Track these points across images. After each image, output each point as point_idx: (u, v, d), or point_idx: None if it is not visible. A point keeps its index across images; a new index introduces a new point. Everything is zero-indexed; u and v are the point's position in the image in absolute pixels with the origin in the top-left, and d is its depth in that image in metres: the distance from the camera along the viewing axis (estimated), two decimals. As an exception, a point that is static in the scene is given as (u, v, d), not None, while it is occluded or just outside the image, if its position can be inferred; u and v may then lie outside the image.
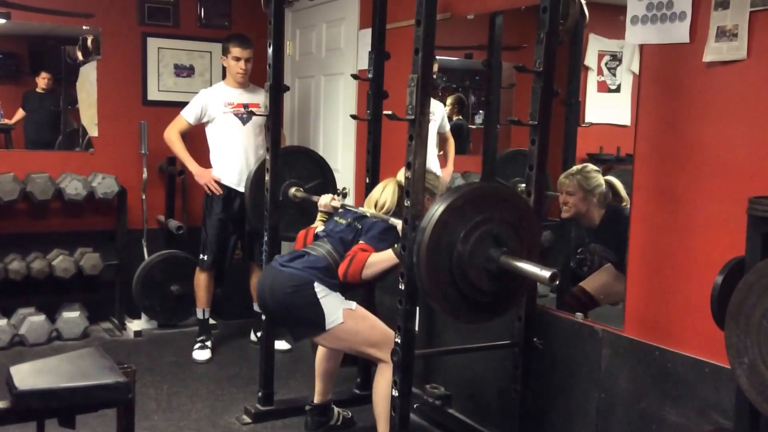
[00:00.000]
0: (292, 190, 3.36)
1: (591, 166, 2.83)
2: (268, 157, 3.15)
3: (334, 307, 2.62)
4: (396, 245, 2.51)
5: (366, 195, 3.38)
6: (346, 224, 2.77)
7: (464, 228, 2.08)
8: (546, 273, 2.00)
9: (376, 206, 2.77)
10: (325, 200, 2.98)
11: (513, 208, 2.20)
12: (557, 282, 2.02)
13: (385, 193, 2.77)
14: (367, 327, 2.65)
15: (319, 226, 2.92)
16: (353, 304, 2.67)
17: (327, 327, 2.61)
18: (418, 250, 2.07)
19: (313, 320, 2.61)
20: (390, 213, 2.72)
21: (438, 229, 2.06)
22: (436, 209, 2.07)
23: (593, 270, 2.96)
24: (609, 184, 2.79)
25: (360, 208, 2.81)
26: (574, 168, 2.86)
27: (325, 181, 3.52)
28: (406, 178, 2.21)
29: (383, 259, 2.57)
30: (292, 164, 3.40)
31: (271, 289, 2.69)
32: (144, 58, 4.44)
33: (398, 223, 2.48)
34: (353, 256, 2.60)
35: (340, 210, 2.91)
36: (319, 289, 2.62)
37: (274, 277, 2.70)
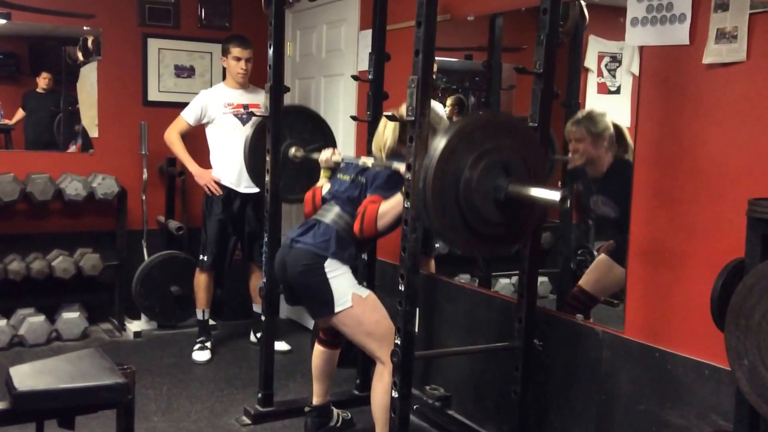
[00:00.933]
0: (292, 150, 3.28)
1: (596, 110, 2.78)
2: (268, 158, 3.15)
3: (344, 290, 2.58)
4: (404, 188, 2.38)
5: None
6: (350, 180, 2.71)
7: (473, 155, 2.03)
8: (556, 194, 1.96)
9: (382, 150, 2.69)
10: (326, 155, 2.94)
11: (522, 139, 2.15)
12: (568, 203, 1.95)
13: (386, 132, 2.69)
14: (373, 320, 2.61)
15: (324, 185, 2.87)
16: (366, 292, 2.63)
17: (335, 310, 2.58)
18: (425, 176, 2.01)
19: (323, 300, 2.59)
20: (392, 151, 2.65)
21: (446, 154, 1.99)
22: (445, 135, 2.01)
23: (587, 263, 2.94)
24: (616, 128, 2.73)
25: (362, 158, 2.75)
26: (580, 114, 2.82)
27: (326, 141, 3.43)
28: (406, 180, 2.20)
29: (393, 205, 2.50)
30: (290, 125, 3.31)
31: (284, 266, 2.68)
32: (144, 58, 4.44)
33: (401, 166, 2.40)
34: (364, 211, 2.55)
35: (342, 164, 2.85)
36: (330, 268, 2.57)
37: (288, 254, 2.67)
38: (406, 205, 2.20)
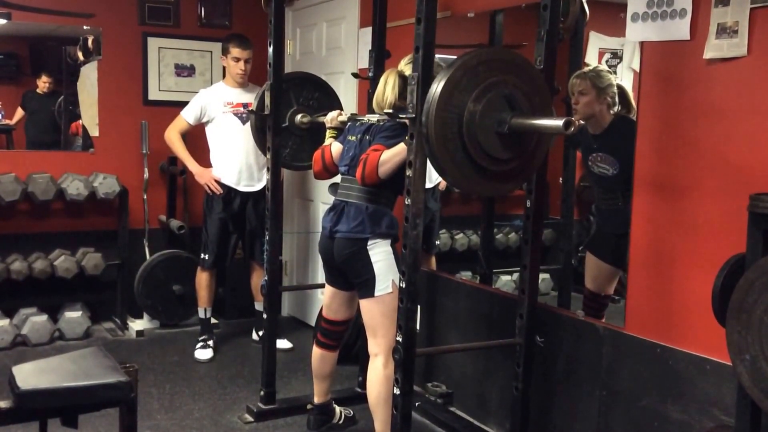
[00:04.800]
0: (299, 117, 3.28)
1: (603, 66, 2.77)
2: (268, 156, 3.15)
3: (385, 274, 2.58)
4: (407, 137, 2.35)
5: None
6: (358, 141, 2.69)
7: (477, 87, 2.02)
8: (559, 121, 1.94)
9: (382, 105, 2.66)
10: (331, 115, 2.96)
11: (526, 75, 2.14)
12: (573, 128, 1.93)
13: (387, 88, 2.66)
14: (392, 310, 2.50)
15: (333, 144, 2.85)
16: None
17: (375, 294, 2.59)
18: (428, 109, 1.99)
19: (367, 282, 2.60)
20: (393, 106, 2.60)
21: (449, 87, 1.97)
22: (449, 68, 1.99)
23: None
24: (620, 88, 2.72)
25: (367, 116, 2.74)
26: (586, 68, 2.81)
27: (333, 107, 3.37)
28: (407, 177, 2.20)
29: (396, 152, 2.49)
30: (297, 92, 3.30)
31: (331, 254, 2.68)
32: (144, 57, 4.44)
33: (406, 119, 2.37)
34: (366, 158, 2.54)
35: (349, 124, 2.83)
36: (372, 248, 2.58)
37: (330, 247, 2.68)
38: (407, 202, 2.21)
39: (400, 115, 2.35)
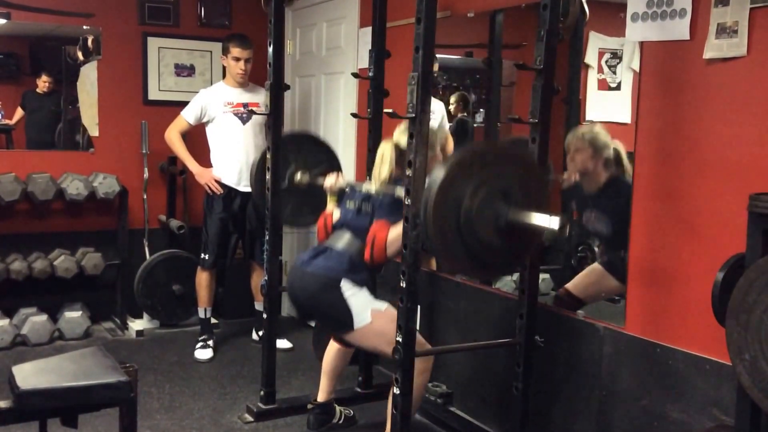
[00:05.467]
0: (298, 175, 3.31)
1: (599, 126, 2.79)
2: (268, 156, 3.15)
3: (362, 307, 2.62)
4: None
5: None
6: (357, 209, 2.74)
7: (472, 184, 2.07)
8: (555, 220, 2.02)
9: (379, 178, 2.71)
10: (330, 181, 2.98)
11: (520, 166, 2.19)
12: (567, 229, 2.02)
13: (383, 162, 2.71)
14: (394, 330, 2.64)
15: (334, 212, 2.90)
16: (384, 305, 2.67)
17: (355, 327, 2.62)
18: (426, 207, 2.05)
19: (341, 320, 2.63)
20: (392, 178, 2.66)
21: (445, 186, 2.03)
22: (444, 166, 2.05)
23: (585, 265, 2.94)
24: (615, 150, 2.73)
25: (365, 185, 2.78)
26: (584, 127, 2.83)
27: (330, 163, 3.45)
28: (407, 176, 2.20)
29: (402, 231, 2.50)
30: (295, 150, 3.35)
31: (300, 289, 2.72)
32: (144, 57, 4.44)
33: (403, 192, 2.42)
34: (373, 239, 2.58)
35: (347, 190, 2.89)
36: (346, 287, 2.62)
37: (301, 277, 2.72)
38: (406, 202, 2.21)
39: (398, 187, 2.49)
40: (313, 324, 2.95)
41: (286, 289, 2.85)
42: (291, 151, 3.30)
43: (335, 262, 2.66)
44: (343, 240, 2.71)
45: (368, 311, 2.61)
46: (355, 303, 2.61)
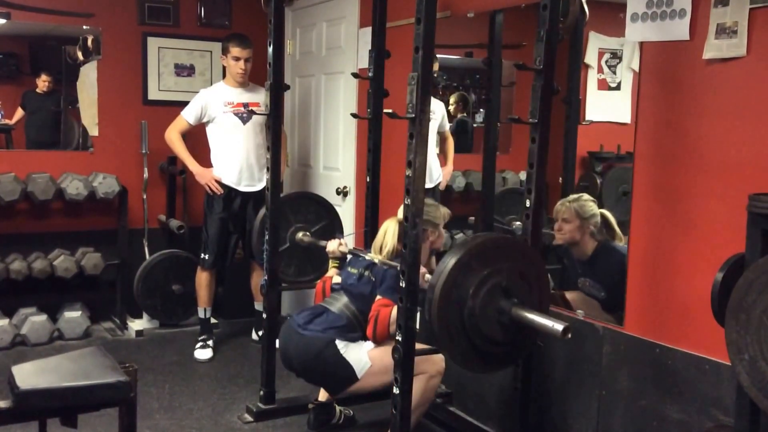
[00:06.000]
0: (299, 234, 3.37)
1: (587, 196, 2.83)
2: (268, 156, 3.16)
3: (359, 354, 2.69)
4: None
5: (366, 197, 3.40)
6: (359, 275, 2.80)
7: (473, 283, 2.10)
8: (559, 327, 2.01)
9: (381, 251, 2.78)
10: (332, 247, 3.03)
11: (520, 258, 2.22)
12: (569, 335, 2.01)
13: (387, 236, 2.79)
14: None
15: (334, 277, 2.97)
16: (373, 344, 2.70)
17: (359, 375, 2.68)
18: (429, 308, 2.09)
19: (343, 376, 2.69)
20: (394, 253, 2.73)
21: (447, 288, 2.07)
22: (445, 267, 2.08)
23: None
24: (603, 217, 2.79)
25: (368, 254, 2.83)
26: (571, 196, 2.87)
27: (331, 222, 3.53)
28: (407, 177, 2.20)
29: None
30: (296, 209, 3.43)
31: (296, 353, 2.77)
32: (144, 57, 4.44)
33: None
34: (377, 316, 2.64)
35: (350, 256, 2.95)
36: (342, 345, 2.69)
37: (296, 342, 2.76)
38: (406, 202, 2.21)
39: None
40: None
41: (279, 350, 2.91)
42: (291, 210, 3.36)
43: (330, 323, 2.72)
44: (339, 303, 2.77)
45: (365, 355, 2.68)
46: (351, 355, 2.68)
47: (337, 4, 4.13)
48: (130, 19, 4.39)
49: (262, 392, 3.23)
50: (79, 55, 4.42)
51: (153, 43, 4.46)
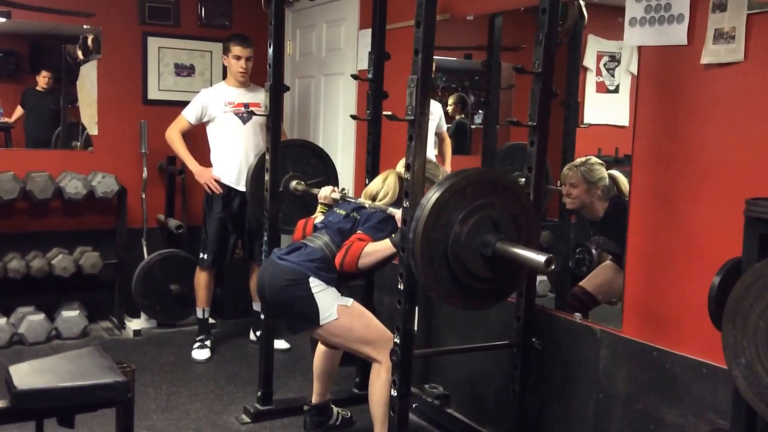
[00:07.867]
0: (293, 183, 3.35)
1: (594, 159, 2.82)
2: (267, 157, 3.16)
3: (329, 302, 2.61)
4: (394, 235, 2.52)
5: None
6: (345, 215, 2.77)
7: (464, 210, 2.07)
8: (541, 258, 1.99)
9: (375, 198, 2.76)
10: (325, 192, 2.99)
11: (514, 199, 2.19)
12: (552, 267, 1.99)
13: (387, 184, 2.75)
14: (362, 325, 2.64)
15: (318, 217, 2.92)
16: (349, 301, 2.66)
17: (321, 322, 2.60)
18: (415, 227, 2.05)
19: (307, 314, 2.61)
20: (391, 205, 2.70)
21: (437, 208, 2.03)
22: (438, 188, 2.05)
23: (592, 267, 2.95)
24: (612, 177, 2.79)
25: (360, 199, 2.81)
26: (578, 160, 2.86)
27: (328, 177, 3.50)
28: (406, 179, 2.21)
29: (380, 248, 2.56)
30: (294, 158, 3.39)
31: (269, 282, 2.71)
32: (144, 57, 4.45)
33: (397, 213, 2.48)
34: (350, 246, 2.60)
35: (340, 201, 2.92)
36: (315, 284, 2.61)
37: (272, 270, 2.71)
38: (405, 204, 2.21)
39: (391, 208, 2.55)
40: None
41: (257, 282, 2.87)
42: (290, 158, 3.33)
43: (308, 258, 2.65)
44: (319, 240, 2.72)
45: (335, 307, 2.61)
46: (321, 299, 2.60)
47: (337, 6, 4.13)
48: (130, 18, 4.39)
49: (259, 393, 3.23)
50: (79, 54, 4.42)
51: (153, 43, 4.46)
